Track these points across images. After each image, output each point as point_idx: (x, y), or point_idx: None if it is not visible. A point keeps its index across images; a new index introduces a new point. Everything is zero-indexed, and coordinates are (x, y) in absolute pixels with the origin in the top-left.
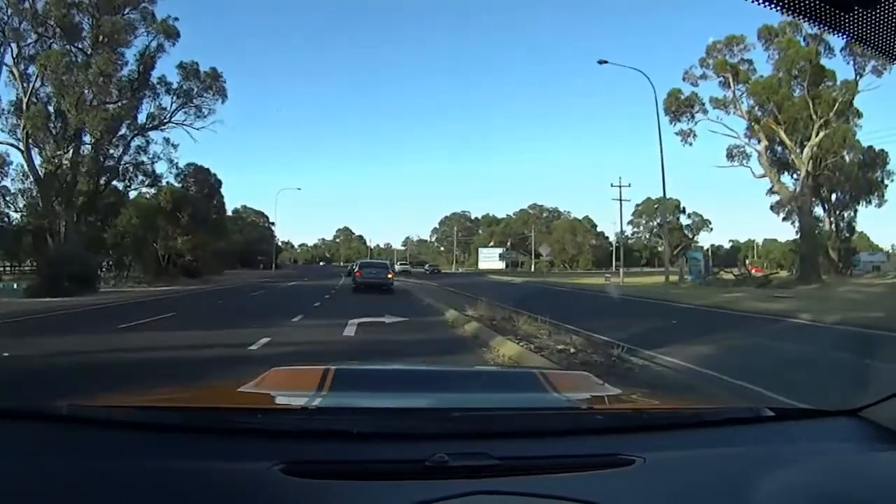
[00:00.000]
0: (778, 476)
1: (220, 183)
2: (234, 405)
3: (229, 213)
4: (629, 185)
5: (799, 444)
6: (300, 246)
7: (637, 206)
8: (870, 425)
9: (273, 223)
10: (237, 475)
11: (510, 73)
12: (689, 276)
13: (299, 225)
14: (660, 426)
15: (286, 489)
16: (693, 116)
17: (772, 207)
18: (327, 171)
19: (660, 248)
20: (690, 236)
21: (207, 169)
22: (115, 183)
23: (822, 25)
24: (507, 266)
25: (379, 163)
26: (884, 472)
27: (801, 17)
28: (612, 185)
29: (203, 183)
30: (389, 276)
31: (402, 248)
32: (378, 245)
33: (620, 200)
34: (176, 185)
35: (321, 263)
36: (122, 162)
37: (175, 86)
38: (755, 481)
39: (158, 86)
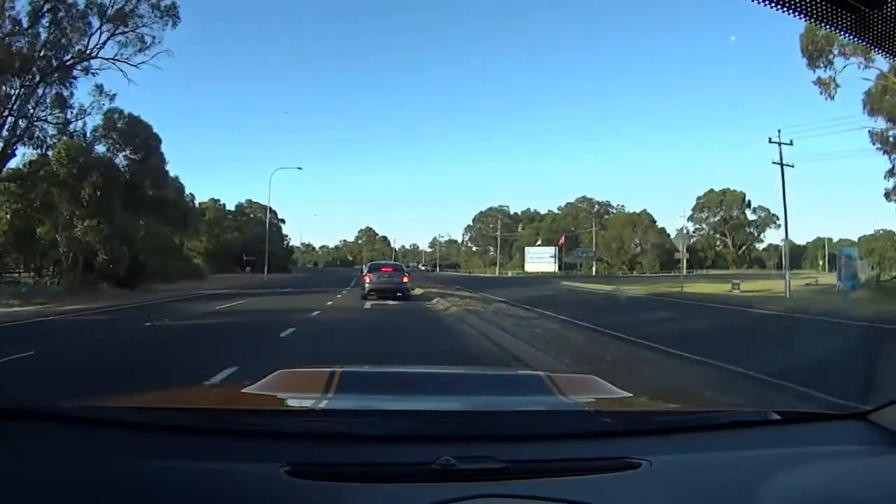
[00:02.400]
0: (785, 479)
1: (158, 140)
2: (241, 406)
3: (230, 207)
4: (791, 143)
5: (806, 447)
6: (321, 248)
7: (698, 198)
8: (877, 429)
9: (283, 220)
10: (243, 477)
11: (540, 63)
12: (844, 283)
13: (321, 226)
14: (667, 429)
15: (292, 491)
16: (831, 62)
17: (887, 195)
18: (350, 169)
19: (719, 247)
20: (756, 234)
21: (140, 119)
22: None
23: (827, 25)
24: (559, 268)
25: (404, 160)
26: (891, 476)
27: (806, 17)
28: (770, 141)
29: (133, 141)
30: (405, 279)
31: (430, 249)
32: (403, 246)
33: (782, 165)
34: (90, 140)
35: (340, 265)
36: (32, 117)
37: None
38: (762, 484)
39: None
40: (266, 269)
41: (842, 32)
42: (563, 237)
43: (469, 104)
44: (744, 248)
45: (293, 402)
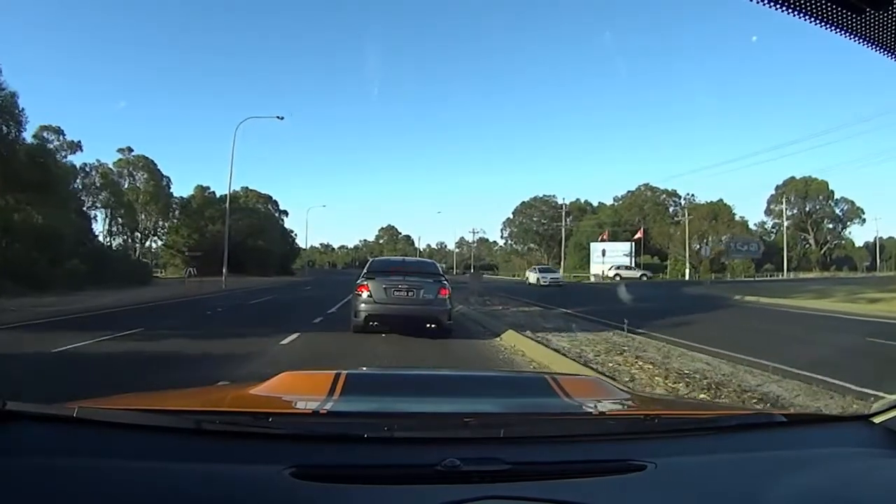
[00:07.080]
0: (790, 482)
1: None
2: (245, 408)
3: (219, 195)
4: None
5: (811, 449)
6: (340, 248)
7: (777, 187)
8: (882, 431)
9: (286, 212)
10: (248, 479)
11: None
12: None
13: (341, 227)
14: (671, 431)
15: (297, 493)
16: None
17: None
18: (370, 167)
19: (801, 245)
20: (839, 229)
21: None
22: None
23: (830, 27)
24: (638, 272)
25: (428, 154)
26: None
27: (808, 18)
28: None
29: None
30: (442, 294)
31: (457, 249)
32: (429, 245)
33: None
34: None
35: (358, 266)
36: None
37: None
38: (767, 487)
39: None
40: (225, 268)
41: (844, 34)
42: (642, 230)
43: (495, 92)
44: (826, 246)
45: (298, 404)
